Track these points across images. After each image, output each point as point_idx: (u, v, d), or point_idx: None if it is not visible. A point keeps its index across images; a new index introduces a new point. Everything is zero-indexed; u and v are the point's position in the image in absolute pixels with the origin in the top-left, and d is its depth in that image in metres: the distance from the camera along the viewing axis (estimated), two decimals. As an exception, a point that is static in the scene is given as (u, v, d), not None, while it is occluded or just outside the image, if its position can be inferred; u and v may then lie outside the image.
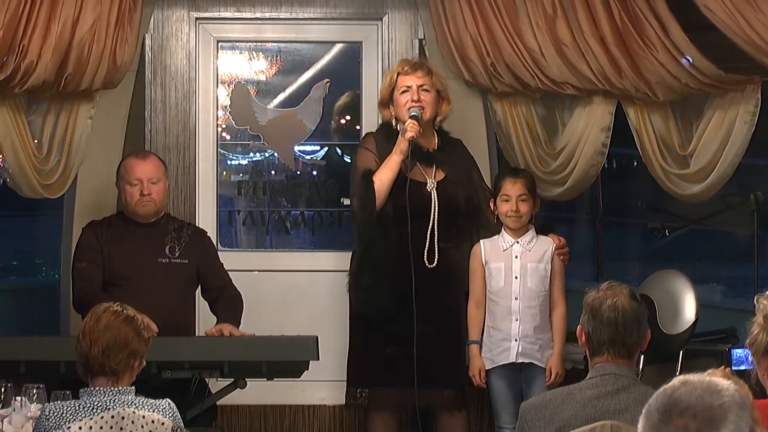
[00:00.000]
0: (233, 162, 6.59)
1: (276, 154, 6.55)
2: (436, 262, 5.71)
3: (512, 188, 5.73)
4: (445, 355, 5.72)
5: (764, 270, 6.13)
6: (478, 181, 5.95)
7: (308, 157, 6.61)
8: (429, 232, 5.72)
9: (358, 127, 6.46)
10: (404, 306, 5.61)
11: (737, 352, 5.58)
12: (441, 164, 5.82)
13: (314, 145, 6.60)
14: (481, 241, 5.79)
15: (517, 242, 5.74)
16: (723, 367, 3.50)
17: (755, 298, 3.53)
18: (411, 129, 5.64)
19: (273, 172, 6.58)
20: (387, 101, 5.85)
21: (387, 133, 5.81)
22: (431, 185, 5.78)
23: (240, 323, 5.69)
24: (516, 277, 5.70)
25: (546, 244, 5.76)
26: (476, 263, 5.77)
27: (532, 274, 5.70)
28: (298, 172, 6.58)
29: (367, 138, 5.93)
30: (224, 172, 6.57)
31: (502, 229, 5.77)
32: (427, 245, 5.71)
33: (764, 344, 3.41)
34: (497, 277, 5.72)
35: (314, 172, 6.63)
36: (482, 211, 5.87)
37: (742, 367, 5.26)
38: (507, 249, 5.74)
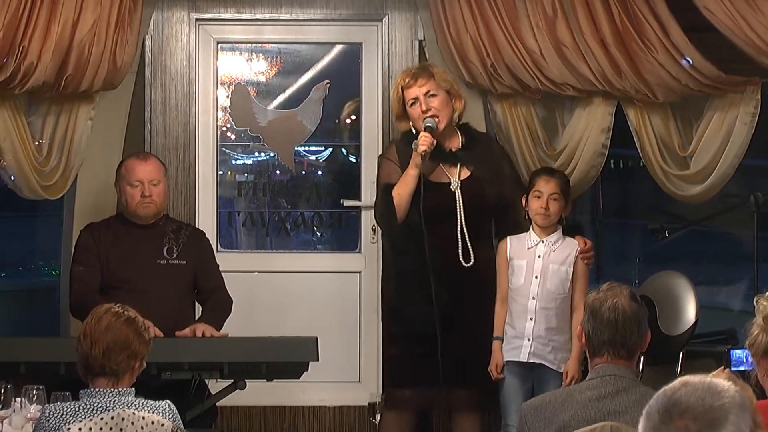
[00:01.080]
0: (238, 162, 6.59)
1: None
2: (473, 261, 5.71)
3: (545, 186, 5.72)
4: (472, 355, 5.70)
5: (764, 271, 6.13)
6: (510, 175, 5.94)
7: (313, 157, 6.61)
8: (459, 232, 5.72)
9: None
10: (434, 307, 5.60)
11: (737, 353, 5.58)
12: (466, 162, 5.81)
13: (319, 145, 6.60)
14: (508, 237, 5.78)
15: (543, 241, 5.72)
16: (722, 368, 3.50)
17: (755, 299, 3.53)
18: (423, 143, 5.63)
19: (278, 172, 6.58)
20: (401, 114, 5.85)
21: (409, 140, 5.79)
22: (455, 185, 5.77)
23: (221, 326, 5.68)
24: (536, 277, 5.68)
25: (571, 247, 5.74)
26: (501, 259, 5.77)
27: (552, 276, 5.68)
28: (303, 173, 6.58)
29: (390, 147, 5.94)
30: (229, 172, 6.58)
31: (530, 227, 5.76)
32: (460, 245, 5.71)
33: (764, 345, 3.42)
34: (518, 274, 5.70)
35: (319, 173, 6.63)
36: (514, 206, 5.83)
37: (742, 368, 5.26)
38: (532, 247, 5.72)
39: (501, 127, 6.24)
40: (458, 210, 5.74)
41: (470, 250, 5.72)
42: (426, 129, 5.67)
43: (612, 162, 6.40)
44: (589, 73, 6.02)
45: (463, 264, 5.70)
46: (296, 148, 6.54)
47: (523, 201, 5.77)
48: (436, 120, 5.73)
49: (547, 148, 6.24)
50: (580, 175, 6.19)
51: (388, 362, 5.89)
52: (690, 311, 5.67)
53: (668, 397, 2.26)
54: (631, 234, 9.46)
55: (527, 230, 5.77)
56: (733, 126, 6.04)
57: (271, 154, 6.55)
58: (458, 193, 5.76)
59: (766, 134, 6.14)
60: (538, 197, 5.72)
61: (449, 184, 5.77)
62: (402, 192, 5.69)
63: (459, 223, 5.73)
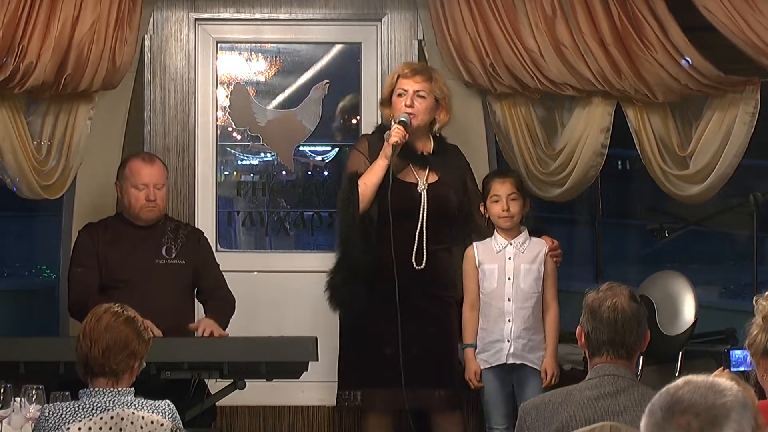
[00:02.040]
0: (244, 162, 6.58)
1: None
2: (424, 264, 5.71)
3: (501, 188, 5.73)
4: (436, 355, 5.71)
5: (763, 271, 6.13)
6: (472, 188, 5.94)
7: (319, 157, 6.61)
8: (417, 234, 5.73)
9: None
10: (389, 307, 5.61)
11: (736, 354, 5.59)
12: (434, 167, 5.82)
13: (325, 145, 6.59)
14: (474, 243, 5.78)
15: (511, 244, 5.74)
16: (722, 368, 3.50)
17: (754, 299, 3.53)
18: (395, 134, 5.64)
19: (284, 172, 6.58)
20: (387, 101, 5.86)
21: (381, 135, 5.80)
22: (422, 187, 5.78)
23: (227, 325, 5.67)
24: (509, 279, 5.70)
25: (539, 246, 5.76)
26: (469, 265, 5.77)
27: (525, 276, 5.70)
28: (309, 173, 6.58)
29: (361, 140, 5.97)
30: (234, 173, 6.57)
31: (495, 232, 5.77)
32: (415, 246, 5.71)
33: (763, 345, 3.41)
34: (491, 278, 5.72)
35: (325, 173, 6.63)
36: (473, 217, 5.85)
37: (741, 369, 5.26)
38: (500, 251, 5.74)
39: (500, 127, 6.24)
40: (422, 212, 5.75)
41: (424, 253, 5.72)
42: (399, 123, 5.68)
43: (618, 162, 6.39)
44: (589, 73, 6.02)
45: (415, 266, 5.71)
46: (302, 149, 6.54)
47: (482, 208, 5.77)
48: (411, 118, 5.73)
49: (546, 148, 6.24)
50: (579, 175, 6.19)
51: (343, 362, 5.84)
52: (689, 311, 5.67)
53: (671, 395, 2.26)
54: (631, 234, 9.45)
55: (489, 237, 5.78)
56: (732, 126, 6.05)
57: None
58: (424, 196, 5.77)
59: (766, 134, 6.15)
60: (497, 201, 5.73)
61: (416, 185, 5.78)
62: (368, 182, 5.68)
63: (420, 225, 5.74)
